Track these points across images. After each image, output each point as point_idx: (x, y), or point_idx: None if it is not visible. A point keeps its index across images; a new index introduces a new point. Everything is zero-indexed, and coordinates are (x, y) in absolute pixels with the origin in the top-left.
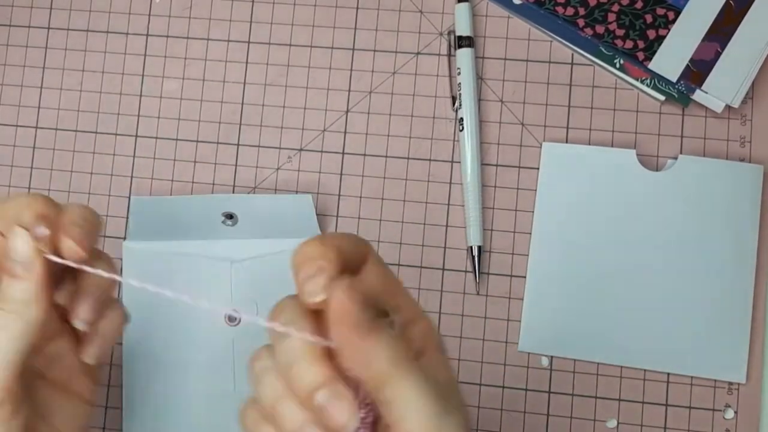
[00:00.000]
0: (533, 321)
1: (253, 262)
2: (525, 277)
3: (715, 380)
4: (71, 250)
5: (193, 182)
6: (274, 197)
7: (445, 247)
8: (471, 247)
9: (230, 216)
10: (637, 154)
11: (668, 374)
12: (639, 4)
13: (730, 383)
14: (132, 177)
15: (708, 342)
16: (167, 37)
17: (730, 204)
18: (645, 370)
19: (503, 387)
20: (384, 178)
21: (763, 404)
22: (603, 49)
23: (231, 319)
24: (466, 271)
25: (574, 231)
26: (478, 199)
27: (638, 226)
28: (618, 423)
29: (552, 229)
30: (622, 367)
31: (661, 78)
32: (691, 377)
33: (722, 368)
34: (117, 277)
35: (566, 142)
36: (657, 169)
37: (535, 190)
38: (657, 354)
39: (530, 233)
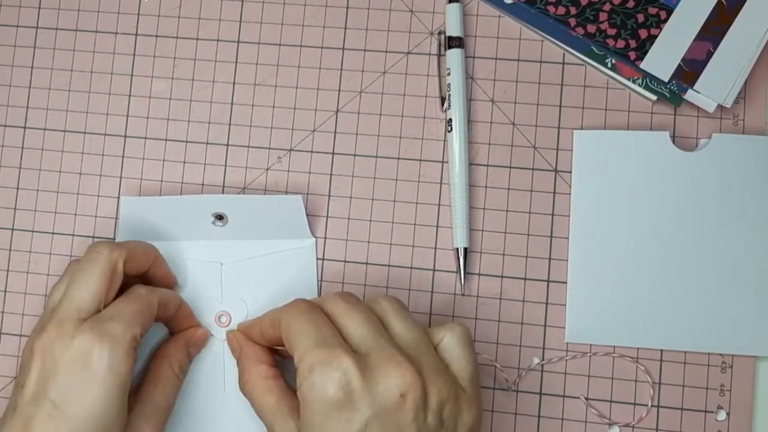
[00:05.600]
0: (579, 313)
1: (243, 264)
2: (515, 278)
3: (707, 381)
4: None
5: (182, 183)
6: (264, 198)
7: (435, 248)
8: (457, 249)
9: (220, 217)
10: (671, 135)
11: (660, 375)
12: (631, 4)
13: (723, 384)
14: (121, 177)
15: (749, 320)
16: (156, 36)
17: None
18: (637, 372)
19: (494, 389)
20: (374, 178)
21: (755, 406)
22: (594, 49)
23: (221, 320)
24: (456, 272)
25: (612, 216)
26: (465, 201)
27: (674, 207)
28: (610, 423)
29: (590, 217)
30: (613, 369)
31: (653, 77)
32: (684, 379)
33: (764, 345)
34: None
35: (557, 142)
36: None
37: (527, 190)
38: (696, 335)
39: (525, 234)
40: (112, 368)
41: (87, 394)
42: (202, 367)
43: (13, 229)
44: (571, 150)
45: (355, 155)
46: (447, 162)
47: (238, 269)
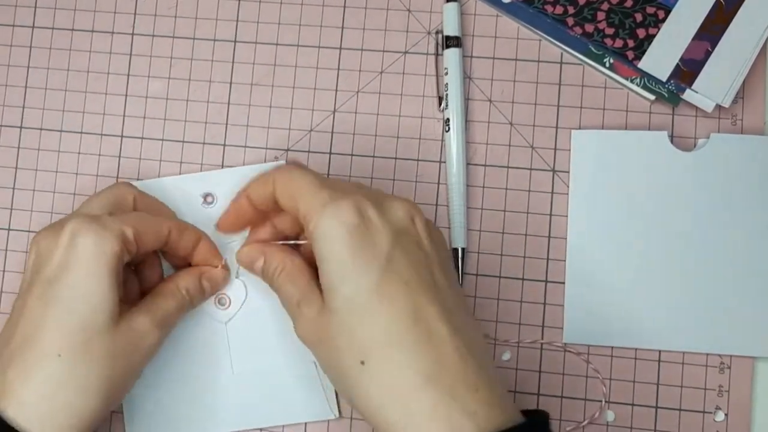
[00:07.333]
0: (577, 313)
1: (237, 245)
2: (513, 278)
3: (706, 382)
4: None
5: None
6: (249, 168)
7: None
8: (455, 249)
9: (209, 197)
10: (669, 135)
11: (658, 376)
12: (629, 3)
13: (721, 385)
14: (118, 177)
15: (747, 321)
16: (153, 36)
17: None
18: (635, 372)
19: None
20: (371, 178)
21: (753, 406)
22: (592, 48)
23: (221, 302)
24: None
25: (610, 217)
26: (463, 202)
27: (672, 207)
28: (607, 424)
29: (587, 217)
30: (611, 369)
31: (651, 77)
32: (682, 379)
33: (762, 346)
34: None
35: (555, 142)
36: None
37: (525, 190)
38: (694, 335)
39: (523, 234)
40: (98, 247)
41: (73, 273)
42: (209, 352)
43: (9, 230)
44: (569, 150)
45: (352, 155)
46: (444, 162)
47: (233, 250)
